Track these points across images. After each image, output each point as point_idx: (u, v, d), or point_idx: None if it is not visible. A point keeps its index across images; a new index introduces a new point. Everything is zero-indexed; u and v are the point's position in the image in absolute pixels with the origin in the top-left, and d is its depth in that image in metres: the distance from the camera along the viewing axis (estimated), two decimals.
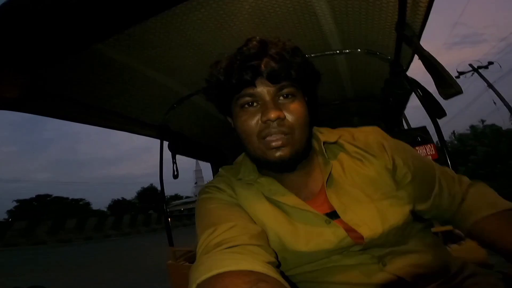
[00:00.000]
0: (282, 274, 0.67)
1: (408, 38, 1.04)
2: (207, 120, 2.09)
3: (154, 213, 36.15)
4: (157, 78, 1.43)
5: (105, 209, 50.14)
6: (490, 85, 12.91)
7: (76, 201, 44.90)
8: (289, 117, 0.64)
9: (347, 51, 1.42)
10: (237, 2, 1.02)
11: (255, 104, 0.65)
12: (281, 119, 0.62)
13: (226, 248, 0.51)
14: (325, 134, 0.77)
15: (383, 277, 0.60)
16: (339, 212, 0.64)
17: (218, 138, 2.44)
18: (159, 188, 2.11)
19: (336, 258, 0.63)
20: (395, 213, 0.63)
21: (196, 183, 65.63)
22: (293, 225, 0.65)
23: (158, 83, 1.48)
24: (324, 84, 1.75)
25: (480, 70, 13.23)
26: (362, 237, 0.61)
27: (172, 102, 1.73)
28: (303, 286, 0.66)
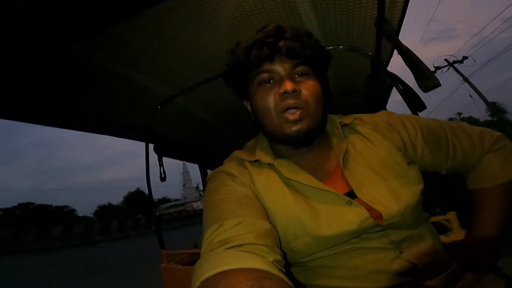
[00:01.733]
0: (294, 266, 0.69)
1: (387, 33, 1.06)
2: (192, 121, 2.08)
3: (142, 218, 35.50)
4: (139, 80, 1.41)
5: (92, 215, 48.94)
6: (465, 79, 13.38)
7: (61, 208, 43.56)
8: (304, 91, 0.66)
9: (329, 47, 1.44)
10: (219, 1, 1.01)
11: (272, 81, 0.69)
12: (297, 92, 0.65)
13: (230, 247, 0.50)
14: (340, 118, 0.81)
15: (398, 264, 0.61)
16: (355, 190, 0.66)
17: (204, 139, 2.42)
18: (146, 192, 2.07)
19: (355, 241, 0.63)
20: (407, 192, 0.65)
21: (184, 185, 65.01)
22: (313, 208, 0.65)
23: (141, 85, 1.45)
24: None
25: (455, 65, 13.70)
26: (381, 217, 0.62)
27: (156, 103, 1.70)
28: (319, 272, 0.66)
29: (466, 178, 0.80)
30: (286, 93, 0.64)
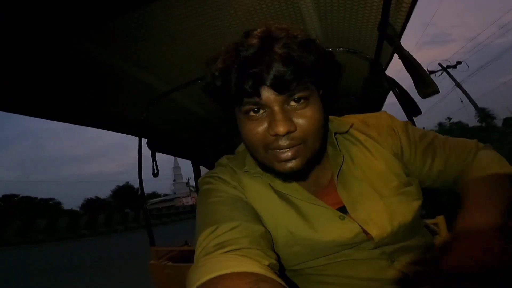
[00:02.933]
0: (285, 275, 0.67)
1: (389, 37, 1.07)
2: (187, 117, 2.05)
3: (131, 212, 35.11)
4: (135, 74, 1.38)
5: (78, 209, 48.15)
6: (458, 84, 13.67)
7: (46, 200, 42.71)
8: (300, 127, 0.56)
9: (329, 49, 1.43)
10: None
11: (261, 111, 0.57)
12: (291, 132, 0.55)
13: (226, 252, 0.50)
14: (335, 124, 0.72)
15: (391, 273, 0.61)
16: (348, 208, 0.64)
17: (198, 135, 2.40)
18: (135, 186, 2.05)
19: (347, 252, 0.62)
20: (404, 210, 0.63)
21: (174, 180, 64.58)
22: (305, 219, 0.64)
23: (137, 79, 1.42)
24: None
25: (448, 70, 13.98)
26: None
27: (151, 98, 1.67)
28: (312, 279, 0.66)
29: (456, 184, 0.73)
30: (278, 135, 0.54)
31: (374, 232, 0.60)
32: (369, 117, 0.76)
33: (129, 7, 0.94)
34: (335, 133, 0.70)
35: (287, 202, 0.67)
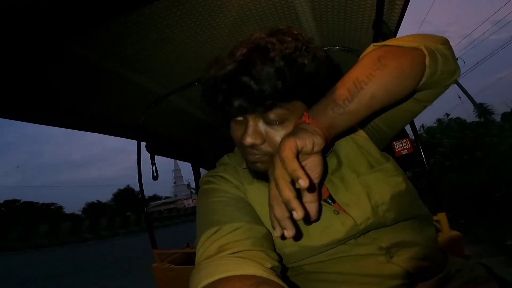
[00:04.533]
0: (286, 277, 0.67)
1: (384, 35, 1.07)
2: (185, 119, 2.05)
3: (132, 215, 35.11)
4: (133, 77, 1.38)
5: (79, 213, 48.13)
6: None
7: (47, 205, 42.72)
8: (270, 141, 0.59)
9: (326, 48, 1.44)
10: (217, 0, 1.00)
11: (240, 117, 0.61)
12: (257, 145, 0.59)
13: (228, 254, 0.50)
14: None
15: (390, 268, 0.61)
16: (333, 194, 0.64)
17: (197, 137, 2.40)
18: (136, 189, 2.05)
19: (344, 248, 0.62)
20: (381, 188, 0.63)
21: (175, 183, 64.59)
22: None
23: (134, 82, 1.42)
24: None
25: None
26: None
27: (149, 101, 1.67)
28: (312, 277, 0.66)
29: None
30: (243, 144, 0.59)
31: (354, 213, 0.60)
32: None
33: (126, 11, 0.94)
34: None
35: None
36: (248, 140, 0.57)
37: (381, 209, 0.61)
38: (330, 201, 0.64)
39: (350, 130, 0.66)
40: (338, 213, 0.63)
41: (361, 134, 0.71)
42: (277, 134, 0.58)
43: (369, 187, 0.62)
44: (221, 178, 0.70)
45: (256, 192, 0.68)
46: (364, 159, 0.67)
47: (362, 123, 0.69)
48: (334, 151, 0.70)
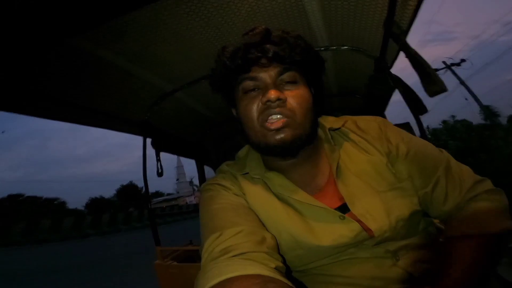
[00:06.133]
0: (291, 277, 0.67)
1: (395, 35, 1.05)
2: (191, 116, 2.05)
3: (135, 211, 35.32)
4: (138, 73, 1.38)
5: (82, 208, 48.52)
6: (462, 82, 13.54)
7: (51, 200, 43.08)
8: (290, 100, 0.63)
9: (334, 47, 1.43)
10: None
11: (257, 89, 0.65)
12: (281, 101, 0.62)
13: (232, 256, 0.51)
14: (329, 121, 0.76)
15: (395, 271, 0.61)
16: (348, 204, 0.64)
17: (202, 134, 2.40)
18: (139, 185, 2.07)
19: (351, 251, 0.63)
20: (400, 205, 0.63)
21: (177, 179, 64.78)
22: (305, 222, 0.64)
23: (140, 78, 1.42)
24: None
25: (452, 67, 13.84)
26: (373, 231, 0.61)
27: (155, 97, 1.67)
28: (318, 279, 0.66)
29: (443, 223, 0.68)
30: (269, 101, 0.61)
31: (373, 226, 0.61)
32: (361, 120, 0.77)
33: (133, 6, 0.94)
34: (329, 129, 0.73)
35: (287, 205, 0.67)
36: (273, 93, 0.61)
37: (398, 225, 0.62)
38: (340, 211, 0.64)
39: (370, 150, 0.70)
40: (343, 218, 0.63)
41: (389, 154, 0.70)
42: (295, 93, 0.64)
43: (388, 204, 0.63)
44: (220, 186, 0.72)
45: (256, 197, 0.69)
46: (384, 176, 0.67)
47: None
48: (349, 157, 0.70)
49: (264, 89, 0.64)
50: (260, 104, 0.63)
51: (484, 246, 0.58)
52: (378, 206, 0.62)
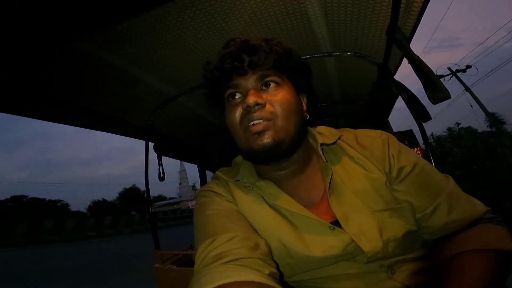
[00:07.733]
0: (285, 283, 0.66)
1: (398, 41, 1.05)
2: (193, 121, 2.05)
3: (137, 215, 35.34)
4: (143, 78, 1.39)
5: (85, 211, 48.58)
6: (467, 89, 13.44)
7: (54, 202, 43.19)
8: (270, 103, 0.64)
9: (337, 54, 1.42)
10: (229, 2, 0.99)
11: (238, 95, 0.67)
12: (261, 105, 0.62)
13: (225, 262, 0.50)
14: (324, 135, 0.73)
15: (391, 285, 0.60)
16: (341, 222, 0.63)
17: (204, 139, 2.40)
18: (142, 189, 2.06)
19: (344, 265, 0.61)
20: (395, 225, 0.62)
21: (180, 183, 64.79)
22: (296, 231, 0.64)
23: (144, 83, 1.43)
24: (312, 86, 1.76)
25: (458, 74, 13.75)
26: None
27: (158, 102, 1.68)
28: None
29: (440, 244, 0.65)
30: (248, 106, 0.62)
31: (366, 247, 0.59)
32: (363, 135, 0.74)
33: (137, 11, 0.95)
34: (321, 144, 0.71)
35: (279, 214, 0.67)
36: (251, 99, 0.62)
37: (391, 246, 0.61)
38: (333, 225, 0.63)
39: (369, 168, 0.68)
40: (334, 229, 0.62)
41: (389, 173, 0.68)
42: (275, 95, 0.65)
43: (383, 224, 0.62)
44: (213, 193, 0.72)
45: (246, 205, 0.69)
46: (382, 195, 0.65)
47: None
48: (346, 172, 0.69)
49: (246, 95, 0.65)
50: (242, 110, 0.65)
51: (495, 261, 0.56)
52: (372, 226, 0.61)
